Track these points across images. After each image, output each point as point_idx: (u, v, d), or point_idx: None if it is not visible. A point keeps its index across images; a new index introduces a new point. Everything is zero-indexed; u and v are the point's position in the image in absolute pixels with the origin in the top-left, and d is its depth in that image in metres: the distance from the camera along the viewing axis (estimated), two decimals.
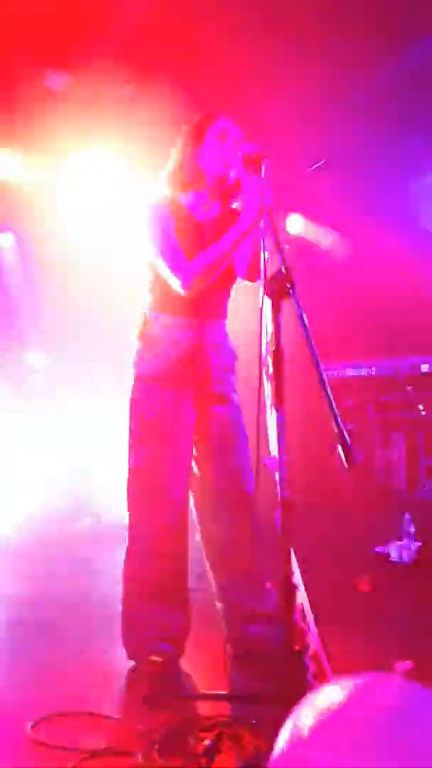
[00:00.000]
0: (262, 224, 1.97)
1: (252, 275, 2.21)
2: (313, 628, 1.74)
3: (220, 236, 2.14)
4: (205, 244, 2.12)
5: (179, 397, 2.16)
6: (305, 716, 1.08)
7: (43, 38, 4.22)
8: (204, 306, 2.19)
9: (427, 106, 5.14)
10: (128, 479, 2.19)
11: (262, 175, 1.94)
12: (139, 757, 1.54)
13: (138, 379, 2.19)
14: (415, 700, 1.06)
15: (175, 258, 2.11)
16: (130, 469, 2.18)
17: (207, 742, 1.57)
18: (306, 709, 1.10)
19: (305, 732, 1.05)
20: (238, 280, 2.29)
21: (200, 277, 2.07)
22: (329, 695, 1.10)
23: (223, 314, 2.28)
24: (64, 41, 4.29)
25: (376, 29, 4.23)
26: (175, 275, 2.09)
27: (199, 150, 2.15)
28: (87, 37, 4.24)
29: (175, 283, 2.09)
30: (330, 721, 1.05)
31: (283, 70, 4.67)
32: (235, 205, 2.29)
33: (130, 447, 2.19)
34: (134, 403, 2.19)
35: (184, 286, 2.08)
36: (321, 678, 1.70)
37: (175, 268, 2.10)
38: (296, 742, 1.06)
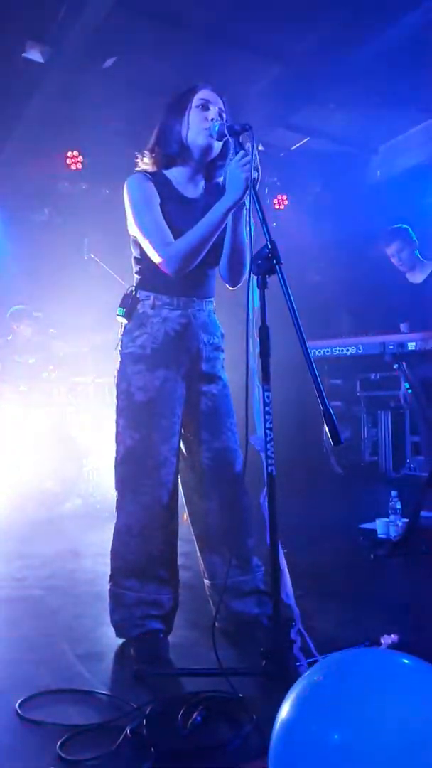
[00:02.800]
0: (246, 201, 1.95)
1: (234, 279, 2.22)
2: (295, 606, 1.75)
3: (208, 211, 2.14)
4: (196, 221, 2.09)
5: (168, 376, 2.13)
6: (303, 690, 1.10)
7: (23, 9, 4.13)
8: (192, 284, 2.17)
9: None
10: (117, 458, 2.17)
11: (249, 147, 1.91)
12: (128, 733, 1.56)
13: (126, 357, 2.16)
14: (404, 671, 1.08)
15: (159, 236, 2.07)
16: (118, 449, 2.16)
17: (195, 717, 1.59)
18: (303, 684, 1.11)
19: (303, 706, 1.07)
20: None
21: (186, 257, 2.04)
22: (323, 670, 1.13)
23: (211, 292, 2.26)
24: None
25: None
26: (159, 254, 2.06)
27: (183, 123, 2.11)
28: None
29: (160, 262, 2.06)
30: (325, 695, 1.07)
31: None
32: (220, 179, 2.26)
33: (119, 426, 2.17)
34: (122, 382, 2.16)
35: (169, 265, 2.05)
36: (306, 653, 1.72)
37: (160, 247, 2.06)
38: (296, 716, 1.07)
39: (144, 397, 2.12)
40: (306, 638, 1.72)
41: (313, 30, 4.66)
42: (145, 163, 2.21)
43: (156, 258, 2.07)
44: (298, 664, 1.68)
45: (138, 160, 2.22)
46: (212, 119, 2.09)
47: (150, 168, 2.20)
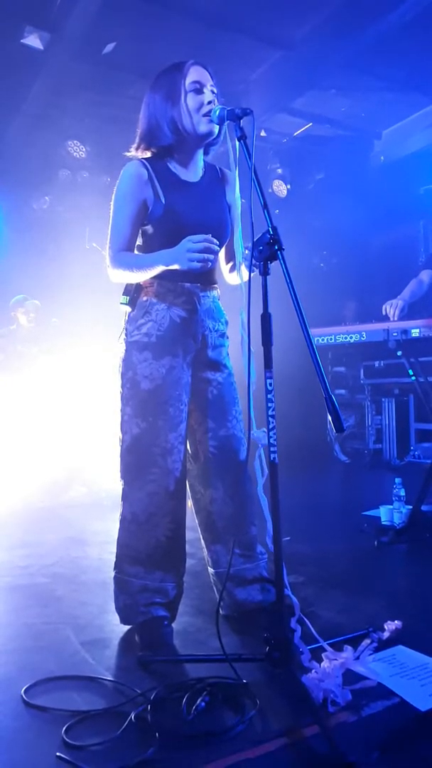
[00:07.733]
0: (238, 191, 1.96)
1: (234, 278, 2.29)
2: (293, 596, 1.76)
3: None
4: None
5: (174, 364, 2.12)
6: None
7: None
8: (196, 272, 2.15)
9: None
10: (123, 447, 2.16)
11: (246, 130, 1.88)
12: (132, 718, 1.57)
13: (131, 346, 2.14)
14: None
15: (117, 238, 2.12)
16: (124, 437, 2.15)
17: (199, 703, 1.60)
18: None
19: None
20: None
21: (119, 275, 2.11)
22: None
23: (215, 279, 2.25)
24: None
25: None
26: (108, 255, 2.12)
27: (178, 111, 2.06)
28: None
29: (106, 260, 2.13)
30: None
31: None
32: (210, 154, 2.25)
33: (125, 415, 2.15)
34: (127, 371, 2.14)
35: (108, 270, 2.13)
36: (309, 639, 1.73)
37: (112, 249, 2.12)
38: None
39: (150, 385, 2.10)
40: (308, 625, 1.72)
41: (314, 14, 4.62)
42: (141, 152, 2.17)
43: (105, 257, 2.13)
44: (300, 651, 1.69)
45: (132, 149, 2.19)
46: (209, 102, 2.06)
47: (148, 157, 2.17)
